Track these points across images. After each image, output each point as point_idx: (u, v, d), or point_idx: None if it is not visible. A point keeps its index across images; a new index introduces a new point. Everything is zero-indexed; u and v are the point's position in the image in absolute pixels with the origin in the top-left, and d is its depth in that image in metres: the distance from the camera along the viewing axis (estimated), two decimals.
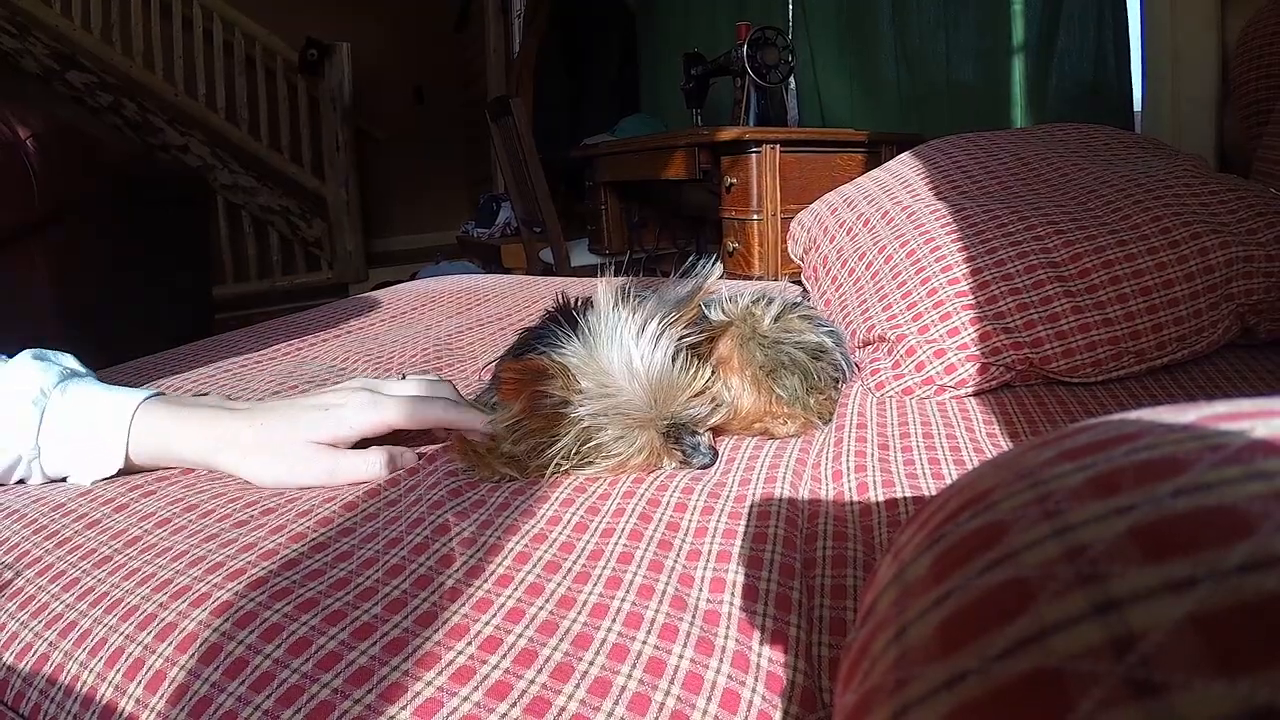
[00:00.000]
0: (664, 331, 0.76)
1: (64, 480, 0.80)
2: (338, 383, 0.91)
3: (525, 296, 1.72)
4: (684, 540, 0.64)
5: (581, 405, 0.74)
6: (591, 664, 0.51)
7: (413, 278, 2.99)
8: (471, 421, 0.82)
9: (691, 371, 0.78)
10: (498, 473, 0.75)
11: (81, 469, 0.78)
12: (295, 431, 0.77)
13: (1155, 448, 0.24)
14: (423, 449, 0.85)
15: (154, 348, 1.42)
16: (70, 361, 0.84)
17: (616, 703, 0.48)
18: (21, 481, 0.79)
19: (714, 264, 0.83)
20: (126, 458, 0.78)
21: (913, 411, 0.95)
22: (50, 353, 0.83)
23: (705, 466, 0.78)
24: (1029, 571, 0.22)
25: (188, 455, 0.80)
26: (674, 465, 0.78)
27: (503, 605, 0.56)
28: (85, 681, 0.54)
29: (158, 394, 0.81)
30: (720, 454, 0.82)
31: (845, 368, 0.99)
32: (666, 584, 0.58)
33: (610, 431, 0.75)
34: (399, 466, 0.79)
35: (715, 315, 0.93)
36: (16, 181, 1.87)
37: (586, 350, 0.75)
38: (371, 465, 0.77)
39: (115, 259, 2.35)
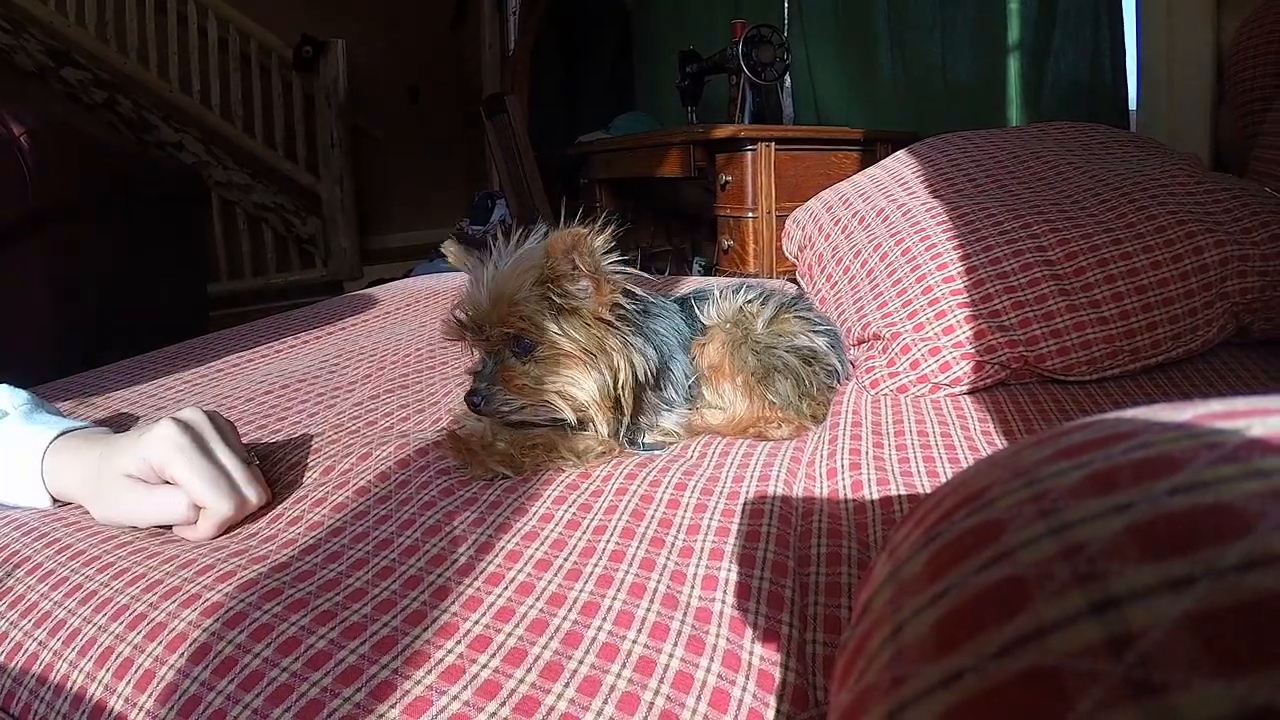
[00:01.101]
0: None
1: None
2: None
3: None
4: (676, 538, 0.63)
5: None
6: (581, 663, 0.51)
7: (407, 275, 2.98)
8: (216, 523, 0.70)
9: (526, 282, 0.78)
10: (491, 470, 0.75)
11: (20, 506, 0.78)
12: (109, 469, 0.72)
13: (1152, 445, 0.24)
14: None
15: (149, 345, 1.41)
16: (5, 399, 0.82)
17: (606, 702, 0.48)
18: None
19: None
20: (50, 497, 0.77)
21: (907, 409, 0.95)
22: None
23: (472, 398, 0.78)
24: (1026, 570, 0.21)
25: (73, 494, 0.77)
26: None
27: (493, 604, 0.56)
28: (74, 681, 0.54)
29: (73, 429, 0.79)
30: (714, 450, 0.82)
31: (840, 369, 0.99)
32: (658, 582, 0.58)
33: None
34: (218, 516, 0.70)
35: (708, 316, 0.93)
36: (10, 179, 1.86)
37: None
38: (174, 504, 0.69)
39: (110, 257, 2.34)
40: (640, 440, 0.85)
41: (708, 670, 0.51)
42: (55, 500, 0.77)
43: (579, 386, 0.78)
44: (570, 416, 0.78)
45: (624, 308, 0.81)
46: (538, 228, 0.82)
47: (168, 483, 0.70)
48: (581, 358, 0.78)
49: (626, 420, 0.82)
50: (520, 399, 0.78)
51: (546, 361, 0.78)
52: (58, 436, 0.77)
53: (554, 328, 0.77)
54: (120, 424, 0.98)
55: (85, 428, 0.80)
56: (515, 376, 0.78)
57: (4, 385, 0.82)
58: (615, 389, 0.79)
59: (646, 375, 0.82)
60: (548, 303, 0.77)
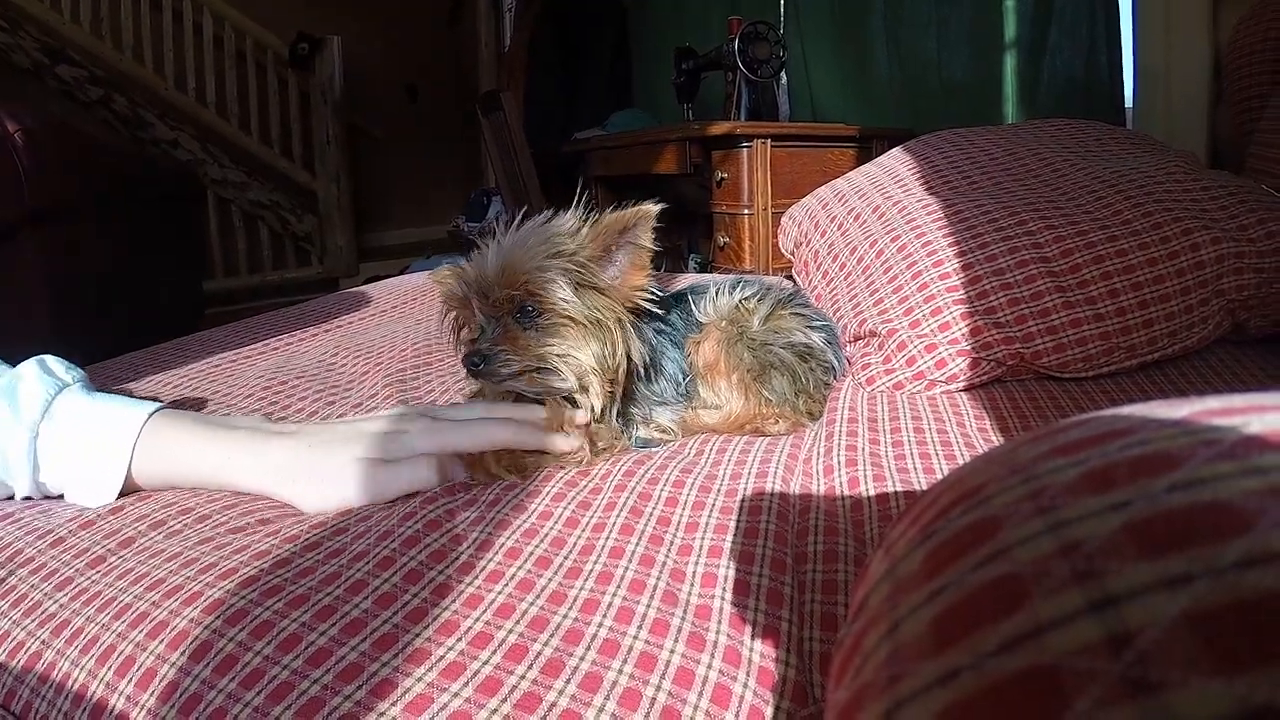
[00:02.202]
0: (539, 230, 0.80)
1: (60, 497, 0.76)
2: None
3: None
4: (675, 535, 0.64)
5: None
6: (582, 659, 0.51)
7: (403, 272, 2.98)
8: (543, 441, 0.78)
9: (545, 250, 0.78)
10: (494, 475, 0.75)
11: (78, 489, 0.74)
12: (348, 454, 0.73)
13: (1149, 443, 0.24)
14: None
15: (145, 343, 1.41)
16: (48, 372, 0.77)
17: (607, 698, 0.48)
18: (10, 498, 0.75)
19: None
20: (128, 478, 0.73)
21: (904, 406, 0.95)
22: (49, 359, 0.78)
23: (471, 359, 0.78)
24: (1023, 567, 0.21)
25: (219, 476, 0.75)
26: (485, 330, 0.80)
27: (493, 601, 0.56)
28: (76, 679, 0.54)
29: (162, 408, 0.76)
30: (711, 448, 0.82)
31: (837, 366, 0.99)
32: (658, 579, 0.58)
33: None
34: (449, 476, 0.75)
35: (703, 313, 0.93)
36: (6, 178, 1.86)
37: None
38: (419, 470, 0.73)
39: (106, 255, 2.33)
40: (634, 434, 0.85)
41: (709, 666, 0.51)
42: (126, 488, 0.74)
43: (581, 351, 0.79)
44: (571, 381, 0.79)
45: (647, 296, 0.83)
46: (541, 213, 0.83)
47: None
48: (585, 325, 0.79)
49: (617, 403, 0.83)
50: (521, 360, 0.78)
51: (549, 328, 0.79)
52: (157, 411, 0.75)
53: (563, 296, 0.77)
54: None
55: (164, 407, 0.77)
56: (518, 337, 0.78)
57: (49, 356, 0.78)
58: (614, 361, 0.80)
59: (638, 365, 0.83)
60: (562, 276, 0.77)
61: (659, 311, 0.88)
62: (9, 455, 0.72)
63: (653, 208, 0.80)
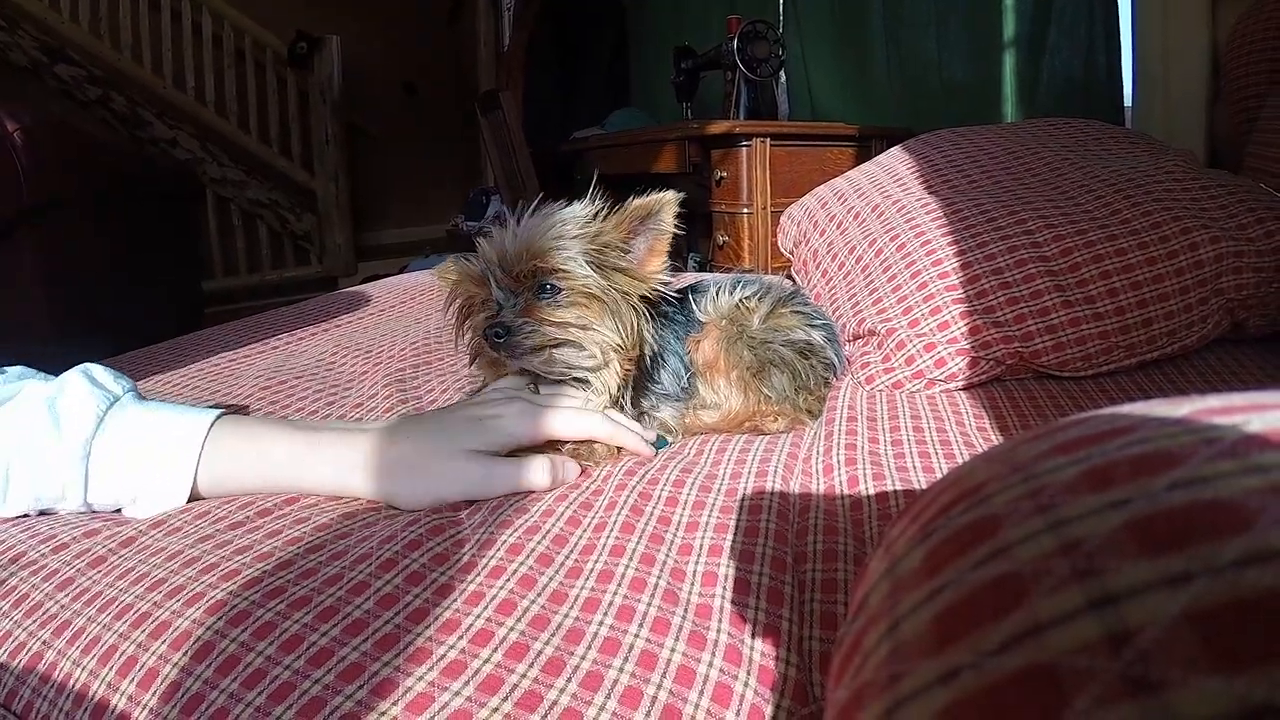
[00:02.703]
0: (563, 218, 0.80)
1: (116, 511, 0.73)
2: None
3: None
4: (676, 534, 0.64)
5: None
6: (583, 658, 0.51)
7: (402, 271, 2.98)
8: (631, 441, 0.80)
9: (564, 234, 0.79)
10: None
11: (139, 502, 0.71)
12: (446, 443, 0.72)
13: (1149, 441, 0.24)
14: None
15: (143, 342, 1.41)
16: (97, 385, 0.73)
17: (609, 696, 0.48)
18: (44, 512, 0.72)
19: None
20: (194, 487, 0.71)
21: (903, 405, 0.95)
22: (95, 368, 0.75)
23: (491, 331, 0.78)
24: (1023, 565, 0.21)
25: (288, 475, 0.73)
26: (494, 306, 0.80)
27: (494, 599, 0.56)
28: (77, 679, 0.54)
29: (225, 414, 0.74)
30: (710, 447, 0.82)
31: (837, 363, 0.99)
32: (658, 578, 0.58)
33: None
34: (561, 478, 0.74)
35: (703, 312, 0.93)
36: (4, 176, 1.86)
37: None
38: (534, 472, 0.72)
39: (105, 253, 2.34)
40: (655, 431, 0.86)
41: (709, 665, 0.51)
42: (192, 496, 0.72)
43: (603, 327, 0.80)
44: (596, 356, 0.80)
45: (662, 282, 0.84)
46: (557, 201, 0.84)
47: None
48: (605, 302, 0.80)
49: (629, 391, 0.84)
50: (543, 333, 0.78)
51: (570, 304, 0.79)
52: (220, 417, 0.73)
53: (585, 272, 0.78)
54: None
55: (226, 413, 0.75)
56: (539, 309, 0.78)
57: (95, 365, 0.76)
58: (632, 340, 0.81)
59: (646, 354, 0.84)
60: (585, 254, 0.78)
61: (673, 297, 0.89)
62: (55, 473, 0.69)
63: (675, 195, 0.81)
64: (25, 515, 0.72)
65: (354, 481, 0.72)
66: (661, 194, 0.81)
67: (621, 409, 0.84)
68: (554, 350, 0.79)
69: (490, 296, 0.80)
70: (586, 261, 0.78)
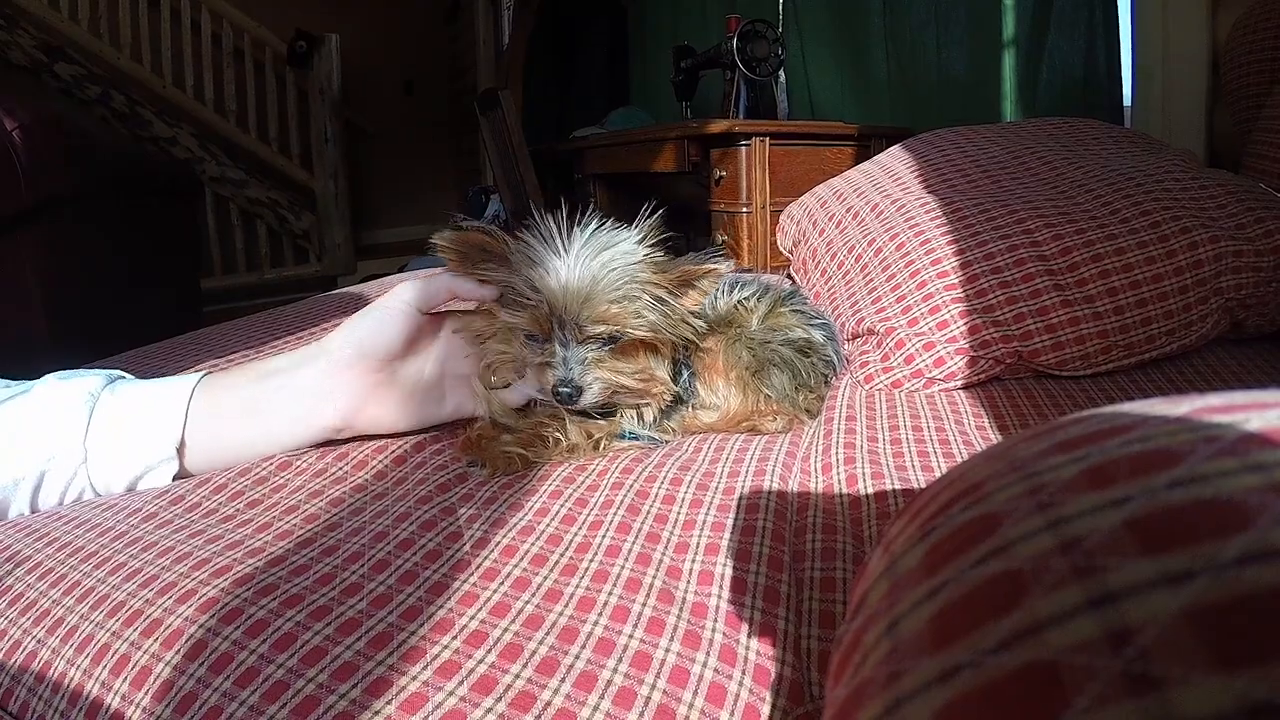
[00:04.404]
0: (623, 258, 0.78)
1: (112, 492, 0.77)
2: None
3: None
4: (672, 533, 0.63)
5: (508, 272, 0.78)
6: (578, 658, 0.51)
7: (401, 270, 2.97)
8: (470, 288, 0.81)
9: (616, 299, 0.77)
10: (499, 465, 0.75)
11: (134, 459, 0.75)
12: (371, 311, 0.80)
13: (1149, 440, 0.23)
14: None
15: (142, 341, 1.41)
16: (112, 371, 0.82)
17: (602, 697, 0.48)
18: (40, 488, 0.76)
19: (721, 257, 0.82)
20: (182, 441, 0.76)
21: (902, 404, 0.95)
22: (82, 371, 0.81)
23: (564, 390, 0.77)
24: (1023, 564, 0.21)
25: (277, 393, 0.79)
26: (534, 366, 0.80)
27: (489, 599, 0.56)
28: (71, 677, 0.53)
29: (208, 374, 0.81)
30: (709, 446, 0.82)
31: (836, 361, 0.99)
32: (654, 577, 0.58)
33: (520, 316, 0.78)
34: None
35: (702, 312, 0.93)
36: (3, 174, 1.86)
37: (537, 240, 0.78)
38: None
39: (104, 253, 2.33)
40: (629, 431, 0.85)
41: (704, 665, 0.51)
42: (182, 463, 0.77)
43: (660, 369, 0.82)
44: (649, 396, 0.82)
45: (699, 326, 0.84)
46: (608, 224, 0.82)
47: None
48: (658, 346, 0.81)
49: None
50: (610, 384, 0.78)
51: (633, 354, 0.80)
52: (205, 376, 0.79)
53: (654, 327, 0.78)
54: None
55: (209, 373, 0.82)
56: (606, 363, 0.78)
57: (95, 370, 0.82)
58: (676, 371, 0.83)
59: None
60: (650, 310, 0.78)
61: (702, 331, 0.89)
62: (58, 418, 0.73)
63: (725, 268, 0.82)
64: (20, 514, 0.73)
65: (334, 373, 0.79)
66: (711, 266, 0.80)
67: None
68: (616, 392, 0.80)
69: (543, 335, 0.79)
70: (651, 309, 0.78)
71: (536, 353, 0.79)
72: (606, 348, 0.78)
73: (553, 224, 0.78)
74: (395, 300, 0.80)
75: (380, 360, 0.79)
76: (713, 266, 0.80)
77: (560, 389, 0.77)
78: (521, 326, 0.79)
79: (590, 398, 0.78)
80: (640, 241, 0.79)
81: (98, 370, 0.79)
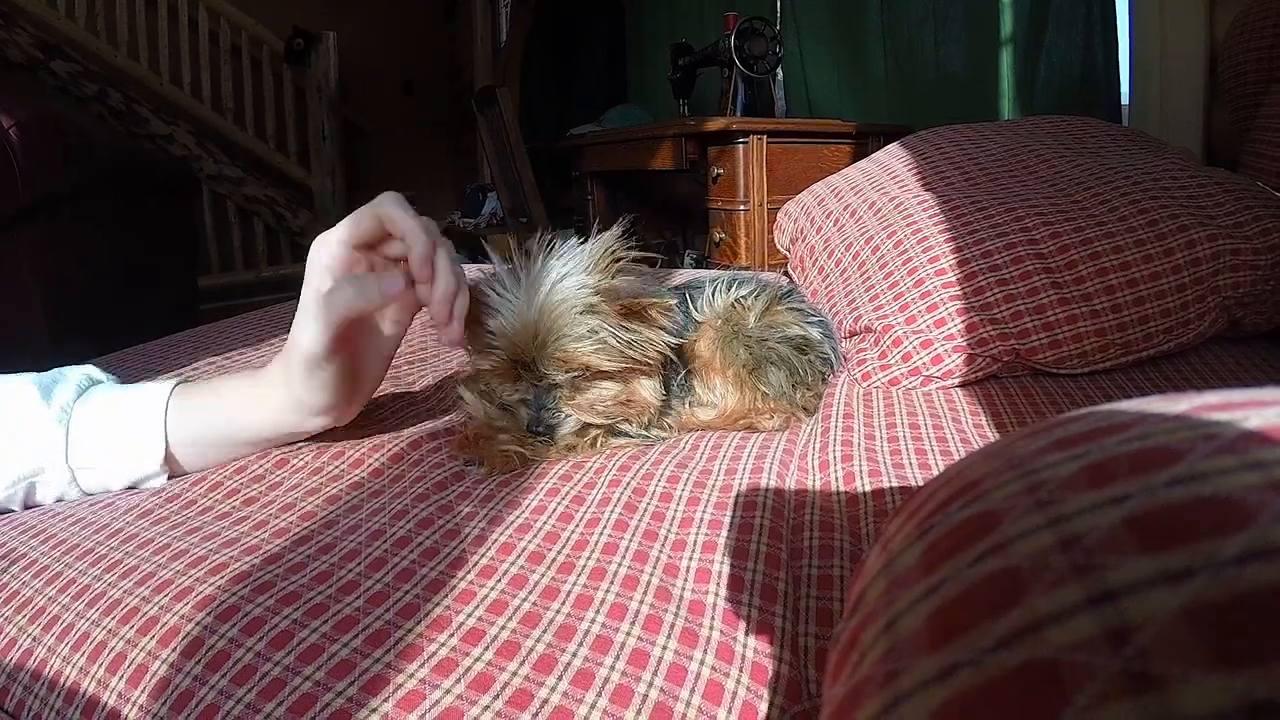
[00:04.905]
0: (573, 282, 0.76)
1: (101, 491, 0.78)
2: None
3: None
4: (669, 531, 0.63)
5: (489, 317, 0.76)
6: (575, 656, 0.51)
7: None
8: (400, 215, 0.84)
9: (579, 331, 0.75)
10: (497, 464, 0.75)
11: (120, 472, 0.76)
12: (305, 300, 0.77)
13: (1149, 437, 0.23)
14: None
15: (140, 339, 1.41)
16: (84, 371, 0.81)
17: (599, 694, 0.48)
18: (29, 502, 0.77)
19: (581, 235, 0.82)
20: (166, 449, 0.75)
21: (899, 402, 0.95)
22: (90, 368, 0.82)
23: (536, 429, 0.77)
24: (1022, 562, 0.21)
25: (249, 396, 0.78)
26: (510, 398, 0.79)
27: (486, 597, 0.56)
28: (68, 676, 0.53)
29: (183, 382, 0.80)
30: (706, 444, 0.82)
31: (834, 359, 0.99)
32: (651, 575, 0.58)
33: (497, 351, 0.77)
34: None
35: (699, 311, 0.93)
36: (0, 172, 1.85)
37: (512, 281, 0.76)
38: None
39: (102, 250, 2.33)
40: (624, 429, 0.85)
41: (701, 663, 0.51)
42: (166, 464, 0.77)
43: (642, 388, 0.80)
44: (634, 412, 0.81)
45: (669, 341, 0.82)
46: (560, 243, 0.80)
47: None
48: (638, 368, 0.79)
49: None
50: (583, 416, 0.78)
51: (604, 381, 0.79)
52: (180, 384, 0.79)
53: (612, 359, 0.76)
54: None
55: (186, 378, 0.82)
56: (574, 398, 0.78)
57: (81, 365, 0.82)
58: (662, 383, 0.82)
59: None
60: (606, 340, 0.76)
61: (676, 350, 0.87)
62: (36, 438, 0.73)
63: (671, 302, 0.80)
64: (11, 511, 0.74)
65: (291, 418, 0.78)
66: (656, 301, 0.78)
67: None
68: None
69: (511, 379, 0.79)
70: (610, 337, 0.75)
71: (509, 391, 0.79)
72: (578, 378, 0.77)
73: (512, 265, 0.78)
74: (309, 291, 0.78)
75: (328, 353, 0.74)
76: (658, 300, 0.78)
77: (532, 428, 0.77)
78: (494, 373, 0.79)
79: (564, 432, 0.78)
80: (596, 263, 0.77)
81: (64, 372, 0.79)
